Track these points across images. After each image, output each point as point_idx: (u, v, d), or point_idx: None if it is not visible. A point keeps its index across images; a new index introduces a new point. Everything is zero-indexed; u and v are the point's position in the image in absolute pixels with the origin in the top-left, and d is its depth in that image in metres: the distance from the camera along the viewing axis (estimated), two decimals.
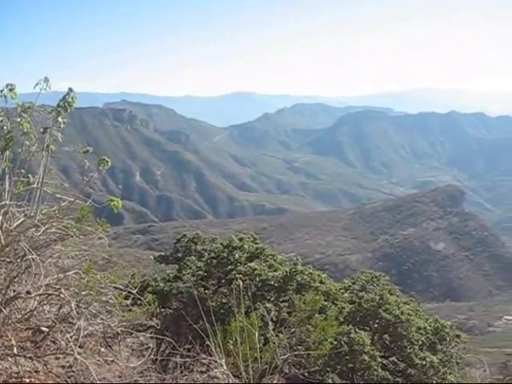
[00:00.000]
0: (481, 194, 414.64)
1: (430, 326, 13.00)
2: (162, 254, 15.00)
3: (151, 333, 11.84)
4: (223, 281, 12.99)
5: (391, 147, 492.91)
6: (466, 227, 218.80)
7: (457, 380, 12.35)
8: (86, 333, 7.05)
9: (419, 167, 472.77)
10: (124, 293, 8.16)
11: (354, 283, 14.18)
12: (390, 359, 12.37)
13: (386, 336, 12.30)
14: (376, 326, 12.28)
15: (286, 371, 10.88)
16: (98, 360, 7.22)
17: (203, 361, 9.05)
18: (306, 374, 11.30)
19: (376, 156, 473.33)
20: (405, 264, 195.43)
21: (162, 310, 12.74)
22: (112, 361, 7.58)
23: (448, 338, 13.08)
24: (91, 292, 6.94)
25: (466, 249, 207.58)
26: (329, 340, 10.55)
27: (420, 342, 12.20)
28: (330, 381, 11.96)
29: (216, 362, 7.69)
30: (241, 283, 9.16)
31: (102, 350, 8.18)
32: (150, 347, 10.71)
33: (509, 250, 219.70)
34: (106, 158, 6.82)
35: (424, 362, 11.80)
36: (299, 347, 10.41)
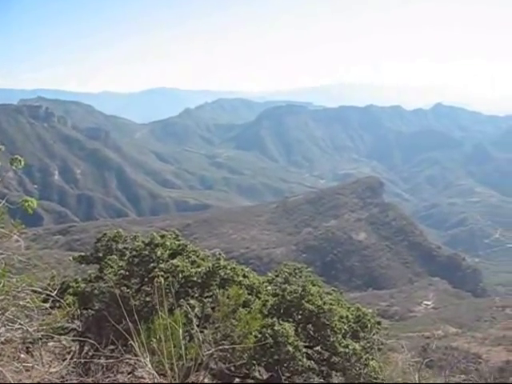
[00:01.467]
0: (399, 185, 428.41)
1: (352, 314, 13.27)
2: (82, 254, 14.64)
3: (73, 336, 11.54)
4: (146, 279, 12.82)
5: (312, 141, 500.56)
6: (386, 217, 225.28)
7: (379, 365, 12.66)
8: (3, 339, 6.81)
9: (340, 160, 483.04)
10: (43, 296, 7.92)
11: (277, 276, 14.28)
12: (315, 349, 12.54)
13: (309, 326, 12.46)
14: (299, 317, 12.41)
15: (213, 367, 10.86)
16: (17, 367, 6.98)
17: (128, 361, 8.92)
18: (232, 368, 11.33)
19: (297, 150, 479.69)
20: (328, 255, 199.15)
21: (84, 311, 12.46)
22: (32, 367, 7.34)
23: (369, 326, 13.39)
24: (7, 297, 6.70)
25: (387, 238, 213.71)
26: (253, 333, 10.61)
27: (343, 331, 12.42)
28: (257, 373, 12.05)
29: (141, 361, 7.58)
30: (162, 281, 9.06)
31: (22, 356, 7.91)
32: (72, 350, 10.44)
33: (426, 238, 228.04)
34: (19, 157, 6.60)
35: (347, 350, 12.02)
36: (224, 342, 10.39)
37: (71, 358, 8.26)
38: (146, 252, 13.05)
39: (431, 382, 14.69)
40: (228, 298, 10.79)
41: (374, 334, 13.68)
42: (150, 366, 7.57)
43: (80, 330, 11.54)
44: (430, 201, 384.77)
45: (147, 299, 12.24)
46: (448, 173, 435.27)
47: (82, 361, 9.14)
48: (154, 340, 8.22)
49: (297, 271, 14.29)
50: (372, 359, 12.51)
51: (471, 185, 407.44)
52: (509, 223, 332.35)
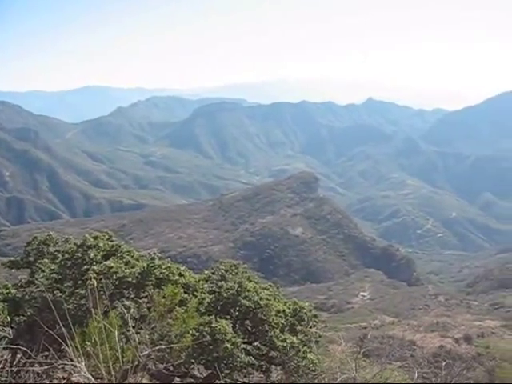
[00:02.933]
0: (333, 179, 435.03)
1: (289, 308, 13.39)
2: (12, 259, 14.21)
3: (5, 343, 11.19)
4: (79, 282, 12.55)
5: (247, 138, 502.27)
6: (321, 212, 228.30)
7: (317, 357, 12.82)
8: None
9: (274, 156, 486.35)
10: None
11: (213, 273, 14.24)
12: (254, 344, 12.58)
13: (247, 322, 12.50)
14: (237, 313, 12.43)
15: (151, 367, 10.76)
16: None
17: (64, 367, 8.72)
18: (170, 367, 11.25)
19: (232, 147, 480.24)
20: (265, 251, 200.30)
21: (15, 318, 12.11)
22: None
23: (306, 319, 13.56)
24: None
25: (323, 232, 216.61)
26: (190, 332, 10.57)
27: (280, 325, 12.52)
28: (196, 371, 12.01)
29: (76, 366, 7.44)
30: (95, 283, 8.90)
31: None
32: (4, 359, 10.15)
33: (361, 231, 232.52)
34: None
35: (285, 344, 12.13)
36: (161, 342, 10.32)
37: (2, 367, 8.04)
38: (79, 254, 12.77)
39: (368, 370, 14.97)
40: (164, 297, 10.71)
41: (311, 327, 13.85)
42: (85, 370, 7.45)
43: (11, 337, 11.22)
44: (363, 194, 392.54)
45: (81, 302, 11.98)
46: (380, 166, 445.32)
47: (15, 369, 8.90)
48: (89, 344, 8.08)
49: (233, 268, 14.29)
50: (310, 352, 12.67)
51: (403, 177, 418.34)
52: (439, 214, 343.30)
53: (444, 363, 21.37)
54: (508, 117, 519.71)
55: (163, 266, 12.71)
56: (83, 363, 7.37)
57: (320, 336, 14.27)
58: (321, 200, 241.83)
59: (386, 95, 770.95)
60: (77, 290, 12.51)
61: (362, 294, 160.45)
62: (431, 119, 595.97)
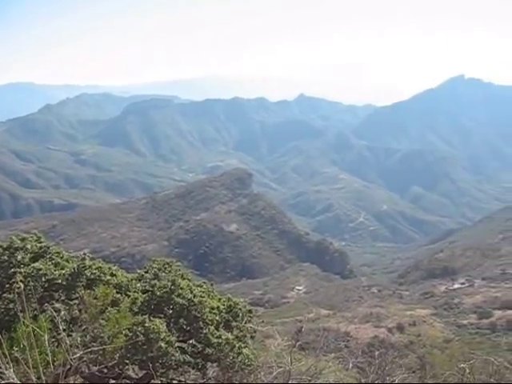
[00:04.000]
0: (266, 175, 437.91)
1: (224, 305, 13.40)
2: None
3: None
4: (7, 285, 12.14)
5: (180, 135, 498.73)
6: (256, 207, 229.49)
7: (252, 352, 12.88)
8: None
9: (208, 153, 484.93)
10: None
11: (146, 272, 14.04)
12: (189, 342, 12.53)
13: (181, 320, 12.41)
14: (171, 311, 12.33)
15: (84, 370, 10.56)
16: None
17: None
18: (104, 369, 11.05)
19: (165, 144, 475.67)
20: (200, 248, 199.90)
21: None
22: None
23: (241, 315, 13.60)
24: None
25: (257, 228, 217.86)
26: (124, 332, 10.42)
27: (215, 322, 12.52)
28: (131, 372, 11.86)
29: (4, 373, 7.22)
30: (22, 286, 8.63)
31: None
32: None
33: (295, 226, 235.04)
34: None
35: (220, 340, 12.13)
36: (94, 344, 10.12)
37: None
38: (5, 257, 12.36)
39: (303, 362, 15.16)
40: (95, 298, 10.51)
41: (246, 323, 13.91)
42: (13, 377, 7.23)
43: None
44: (296, 189, 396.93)
45: (9, 307, 11.59)
46: (313, 161, 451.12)
47: None
48: (18, 349, 7.85)
49: (166, 266, 14.14)
50: (245, 347, 12.72)
51: (335, 172, 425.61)
52: (371, 207, 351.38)
53: (377, 352, 21.91)
54: (434, 112, 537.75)
55: (94, 267, 12.46)
56: (11, 370, 7.14)
57: (255, 331, 14.35)
58: (255, 196, 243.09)
59: (317, 91, 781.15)
60: (4, 295, 12.10)
61: (297, 288, 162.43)
62: (362, 114, 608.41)
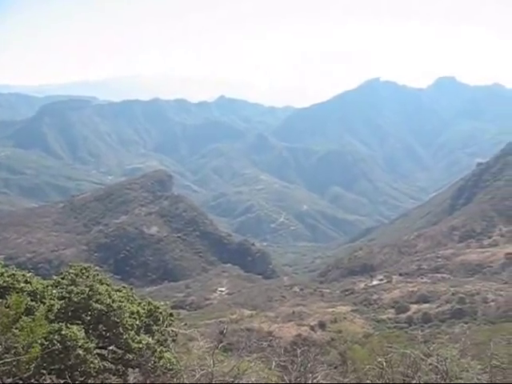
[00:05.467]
0: (187, 177, 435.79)
1: (144, 309, 13.20)
2: None
3: None
4: None
5: (98, 136, 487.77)
6: (177, 209, 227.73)
7: (174, 356, 12.72)
8: None
9: (127, 155, 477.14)
10: None
11: (63, 278, 13.59)
12: (109, 348, 12.25)
13: (100, 326, 12.12)
14: (89, 318, 12.01)
15: None
16: None
17: None
18: (19, 381, 10.62)
19: (83, 146, 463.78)
20: (121, 252, 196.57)
21: None
22: None
23: (162, 318, 13.42)
24: None
25: (179, 230, 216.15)
26: (39, 341, 10.03)
27: (135, 327, 12.30)
28: (48, 382, 11.45)
29: None
30: None
31: None
32: None
33: (217, 228, 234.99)
34: None
35: (141, 345, 11.94)
36: (7, 355, 9.69)
37: None
38: None
39: (225, 364, 15.11)
40: (7, 307, 10.06)
41: (167, 326, 13.74)
42: None
43: None
44: (218, 191, 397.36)
45: None
46: (233, 163, 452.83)
47: None
48: None
49: (84, 271, 13.76)
50: (167, 351, 12.57)
51: (256, 173, 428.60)
52: (292, 207, 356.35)
53: (299, 350, 22.16)
54: (351, 113, 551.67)
55: (6, 274, 11.95)
56: None
57: (177, 334, 14.21)
58: (175, 198, 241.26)
59: (238, 92, 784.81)
60: None
61: (220, 289, 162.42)
62: (282, 116, 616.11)
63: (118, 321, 11.89)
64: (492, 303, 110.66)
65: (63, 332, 10.29)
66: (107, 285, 13.15)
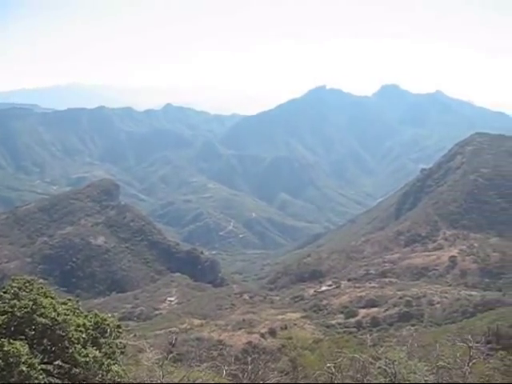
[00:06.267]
0: (134, 186, 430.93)
1: (90, 321, 12.87)
2: None
3: None
4: None
5: (41, 145, 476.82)
6: (124, 219, 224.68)
7: (122, 369, 12.48)
8: None
9: (72, 164, 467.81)
10: None
11: (5, 292, 13.12)
12: (55, 363, 11.88)
13: (45, 341, 11.74)
14: (33, 332, 11.62)
15: None
16: None
17: None
18: None
19: (26, 155, 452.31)
20: (67, 263, 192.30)
21: None
22: None
23: (109, 330, 13.12)
24: None
25: (126, 240, 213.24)
26: None
27: (82, 340, 11.97)
28: None
29: None
30: None
31: None
32: None
33: (165, 237, 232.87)
34: None
35: (88, 359, 11.63)
36: None
37: None
38: None
39: (175, 374, 14.95)
40: None
41: (115, 338, 13.44)
42: None
43: None
44: (165, 199, 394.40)
45: None
46: (181, 171, 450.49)
47: None
48: None
49: (27, 285, 13.32)
50: (115, 364, 12.29)
51: (203, 181, 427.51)
52: (240, 215, 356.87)
53: (250, 358, 22.13)
54: (298, 120, 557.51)
55: None
56: None
57: (125, 346, 13.91)
58: (122, 207, 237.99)
59: (184, 100, 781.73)
60: None
61: (169, 299, 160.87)
62: (228, 124, 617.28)
63: (64, 334, 11.55)
64: (437, 305, 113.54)
65: (5, 348, 9.91)
66: (52, 298, 12.75)
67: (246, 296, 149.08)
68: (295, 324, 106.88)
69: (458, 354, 20.74)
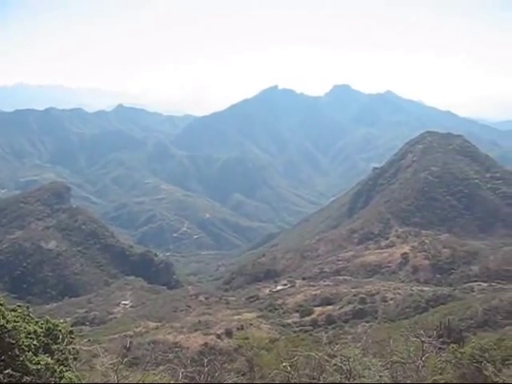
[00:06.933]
0: (86, 188, 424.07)
1: (42, 328, 12.50)
2: None
3: None
4: None
5: None
6: (76, 222, 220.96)
7: (76, 375, 12.18)
8: None
9: (21, 167, 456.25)
10: None
11: None
12: (5, 372, 11.49)
13: None
14: None
15: None
16: None
17: None
18: None
19: None
20: (17, 269, 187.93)
21: None
22: None
23: (61, 336, 12.79)
24: None
25: (78, 244, 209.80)
26: None
27: (33, 347, 11.61)
28: None
29: None
30: None
31: None
32: None
33: (118, 239, 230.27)
34: None
35: (39, 366, 11.28)
36: None
37: None
38: None
39: (130, 378, 14.68)
40: None
41: (67, 344, 13.11)
42: None
43: None
44: (118, 201, 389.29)
45: None
46: (134, 172, 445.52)
47: None
48: None
49: None
50: (68, 370, 11.98)
51: (157, 183, 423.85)
52: (194, 216, 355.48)
53: (206, 360, 22.00)
54: (251, 121, 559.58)
55: None
56: None
57: (78, 352, 13.59)
58: (74, 210, 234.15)
59: (136, 102, 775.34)
60: None
61: (123, 302, 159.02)
62: (181, 124, 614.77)
63: (14, 342, 11.16)
64: (391, 302, 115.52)
65: None
66: (1, 305, 12.35)
67: (201, 297, 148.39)
68: (251, 324, 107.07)
69: (411, 349, 21.09)
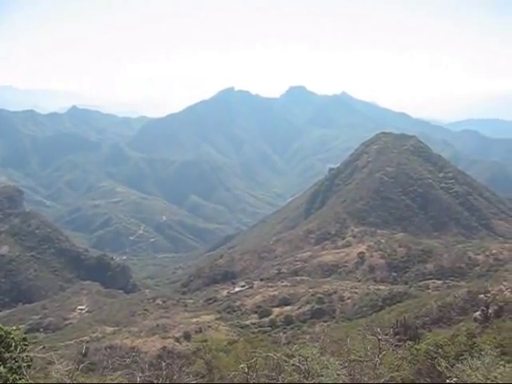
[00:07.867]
0: (39, 192, 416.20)
1: None
2: None
3: None
4: None
5: None
6: (29, 227, 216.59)
7: (29, 383, 11.88)
8: None
9: None
10: None
11: None
12: None
13: None
14: None
15: None
16: None
17: None
18: None
19: None
20: None
21: None
22: None
23: (14, 344, 12.43)
24: None
25: (32, 248, 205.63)
26: None
27: None
28: None
29: None
30: None
31: None
32: None
33: (73, 243, 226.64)
34: None
35: None
36: None
37: None
38: None
39: None
40: None
41: (20, 352, 12.75)
42: None
43: None
44: (73, 205, 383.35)
45: None
46: (88, 175, 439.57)
47: None
48: None
49: None
50: (21, 378, 11.66)
51: (112, 185, 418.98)
52: (151, 219, 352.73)
53: (164, 363, 21.82)
54: (207, 122, 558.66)
55: None
56: None
57: (32, 359, 13.23)
58: (27, 215, 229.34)
59: (90, 103, 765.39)
60: None
61: (79, 307, 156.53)
62: (137, 127, 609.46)
63: None
64: (348, 301, 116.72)
65: None
66: None
67: (158, 301, 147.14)
68: (210, 326, 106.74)
69: (368, 347, 21.30)
